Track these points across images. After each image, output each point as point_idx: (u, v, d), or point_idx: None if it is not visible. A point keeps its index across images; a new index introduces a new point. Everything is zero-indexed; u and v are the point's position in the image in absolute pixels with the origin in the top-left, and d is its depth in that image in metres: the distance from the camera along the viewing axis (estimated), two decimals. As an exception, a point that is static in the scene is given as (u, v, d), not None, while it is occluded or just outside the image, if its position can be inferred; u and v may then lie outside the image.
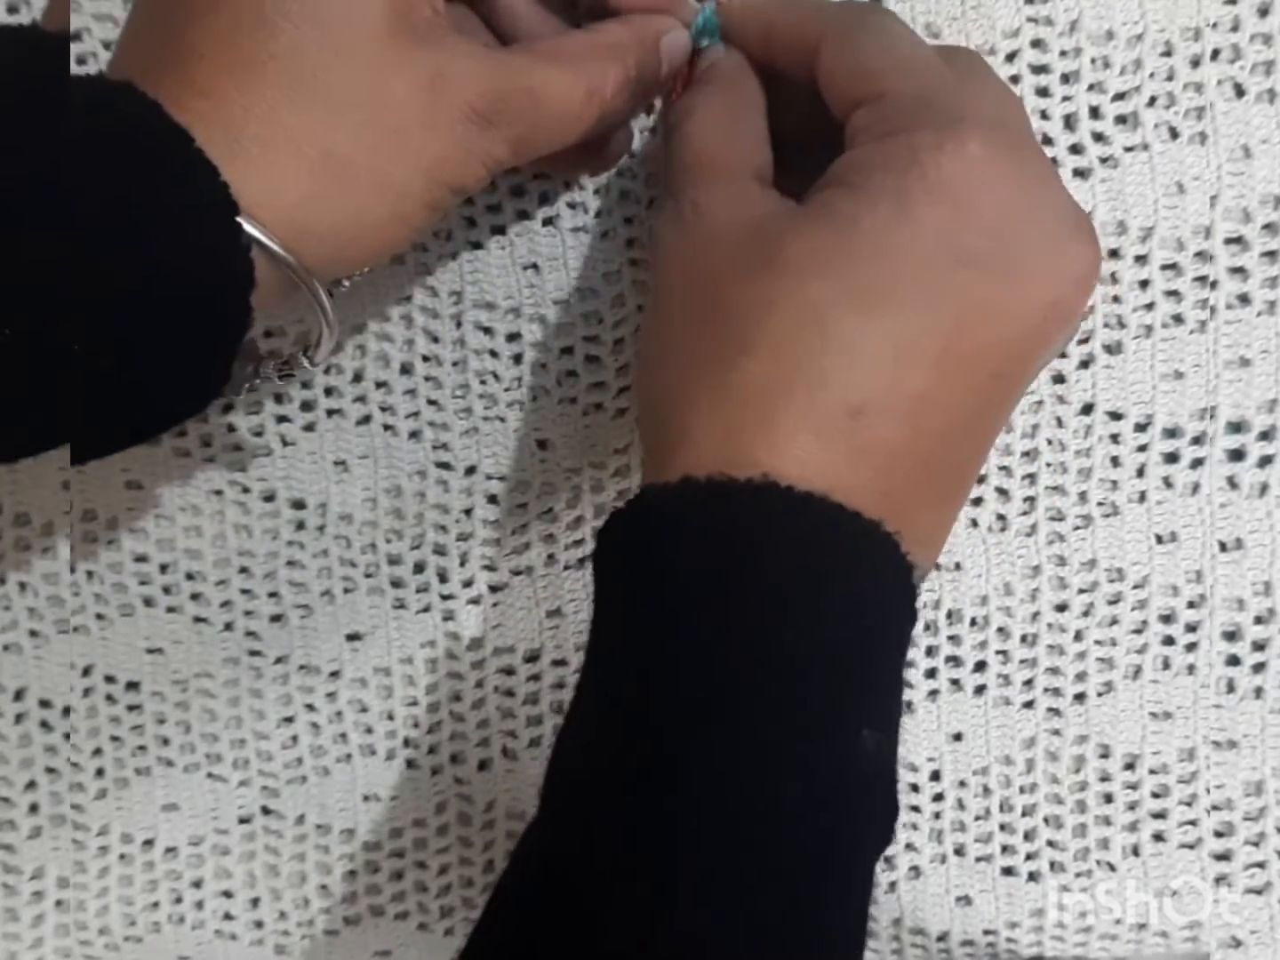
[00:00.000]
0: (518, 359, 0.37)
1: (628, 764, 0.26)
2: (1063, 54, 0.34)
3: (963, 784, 0.39)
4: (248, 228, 0.26)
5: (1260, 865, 0.39)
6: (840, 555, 0.27)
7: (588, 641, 0.28)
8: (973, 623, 0.38)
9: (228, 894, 0.42)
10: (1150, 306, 0.36)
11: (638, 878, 0.25)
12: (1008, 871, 0.40)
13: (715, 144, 0.31)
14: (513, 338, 0.37)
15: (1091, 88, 0.34)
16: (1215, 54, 0.34)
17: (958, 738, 0.39)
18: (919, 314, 0.28)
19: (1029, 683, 0.38)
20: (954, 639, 0.38)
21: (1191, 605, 0.38)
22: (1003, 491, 0.37)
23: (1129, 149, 0.35)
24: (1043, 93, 0.34)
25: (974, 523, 0.37)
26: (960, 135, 0.28)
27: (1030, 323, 0.29)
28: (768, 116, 0.32)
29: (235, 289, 0.27)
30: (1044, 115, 0.35)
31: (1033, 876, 0.40)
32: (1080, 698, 0.38)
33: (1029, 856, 0.40)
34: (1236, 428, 0.36)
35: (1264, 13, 0.34)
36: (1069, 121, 0.35)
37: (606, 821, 0.26)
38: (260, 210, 0.27)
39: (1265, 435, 0.36)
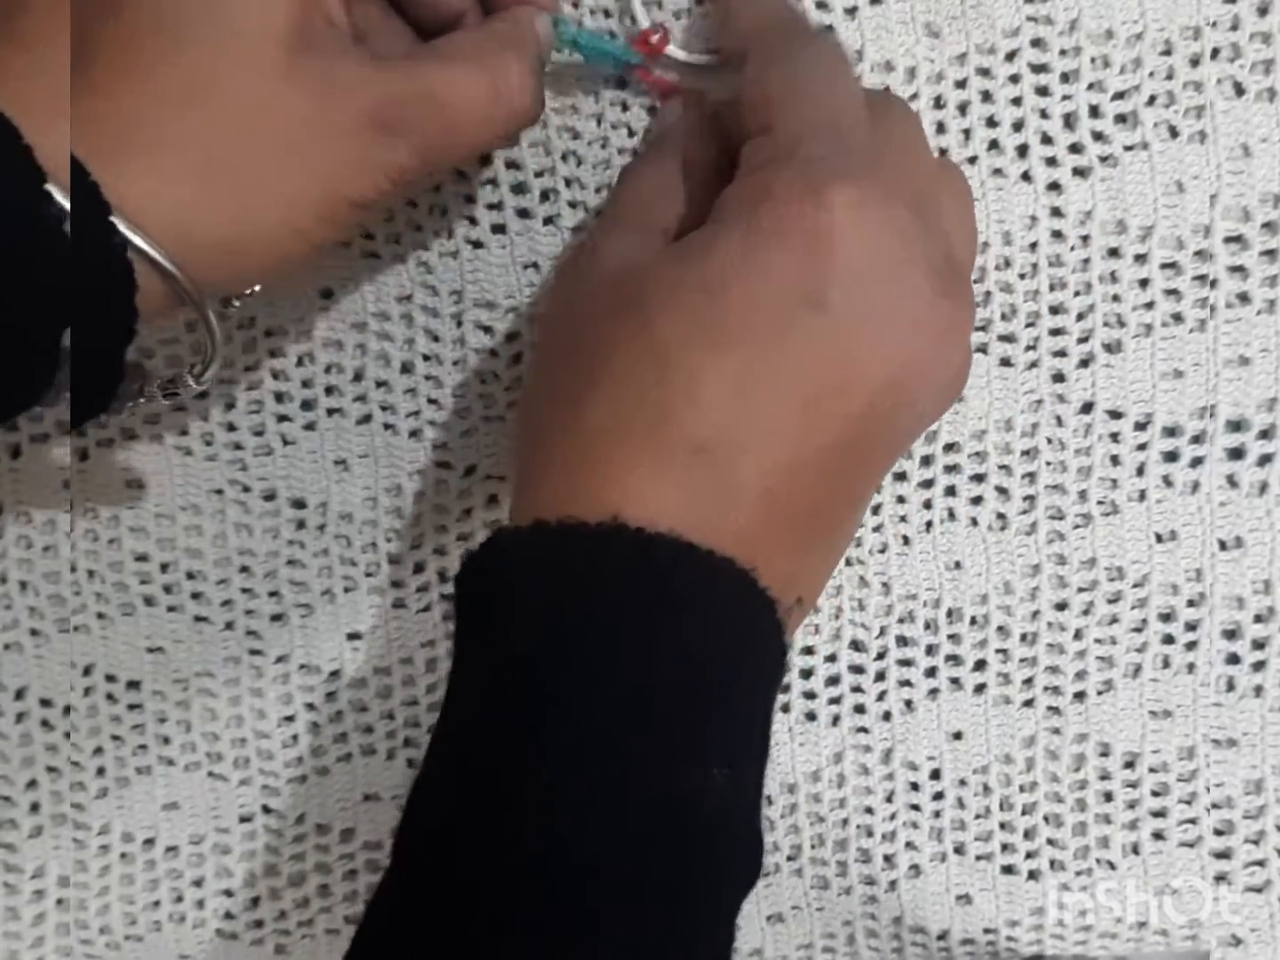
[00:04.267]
0: (518, 359, 0.37)
1: (468, 817, 0.26)
2: (1062, 53, 0.34)
3: (963, 782, 0.39)
4: (122, 229, 0.26)
5: (1260, 863, 0.39)
6: (682, 592, 0.26)
7: (449, 675, 0.28)
8: (973, 621, 0.38)
9: (228, 893, 0.42)
10: (1150, 305, 0.36)
11: (475, 935, 0.25)
12: (1008, 870, 0.40)
13: (635, 201, 0.31)
14: (513, 337, 0.37)
15: (1091, 87, 0.34)
16: (1215, 53, 0.34)
17: (958, 736, 0.39)
18: (764, 350, 0.27)
19: (1029, 681, 0.38)
20: (954, 638, 0.38)
21: (1191, 604, 0.38)
22: (1002, 490, 0.37)
23: (1129, 148, 0.35)
24: (1042, 92, 0.35)
25: (974, 521, 0.38)
26: (820, 179, 0.28)
27: (884, 373, 0.28)
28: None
29: (115, 292, 0.26)
30: (1044, 114, 0.35)
31: (1033, 875, 0.40)
32: (1080, 696, 0.38)
33: (1029, 855, 0.40)
34: (1236, 426, 0.36)
35: (1263, 11, 0.34)
36: (1069, 120, 0.35)
37: (446, 874, 0.26)
38: (143, 215, 0.26)
39: (1265, 434, 0.36)
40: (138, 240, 0.26)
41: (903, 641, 0.39)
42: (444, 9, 0.32)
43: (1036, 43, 0.34)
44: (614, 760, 0.26)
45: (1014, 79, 0.35)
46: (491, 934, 0.25)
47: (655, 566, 0.26)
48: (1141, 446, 0.37)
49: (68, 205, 0.25)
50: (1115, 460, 0.37)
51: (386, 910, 0.27)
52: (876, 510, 0.38)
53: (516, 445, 0.31)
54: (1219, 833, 0.39)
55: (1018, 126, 0.35)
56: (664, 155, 0.33)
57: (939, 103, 0.35)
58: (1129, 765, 0.39)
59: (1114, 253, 0.35)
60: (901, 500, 0.38)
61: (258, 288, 0.31)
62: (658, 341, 0.27)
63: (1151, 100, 0.34)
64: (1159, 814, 0.39)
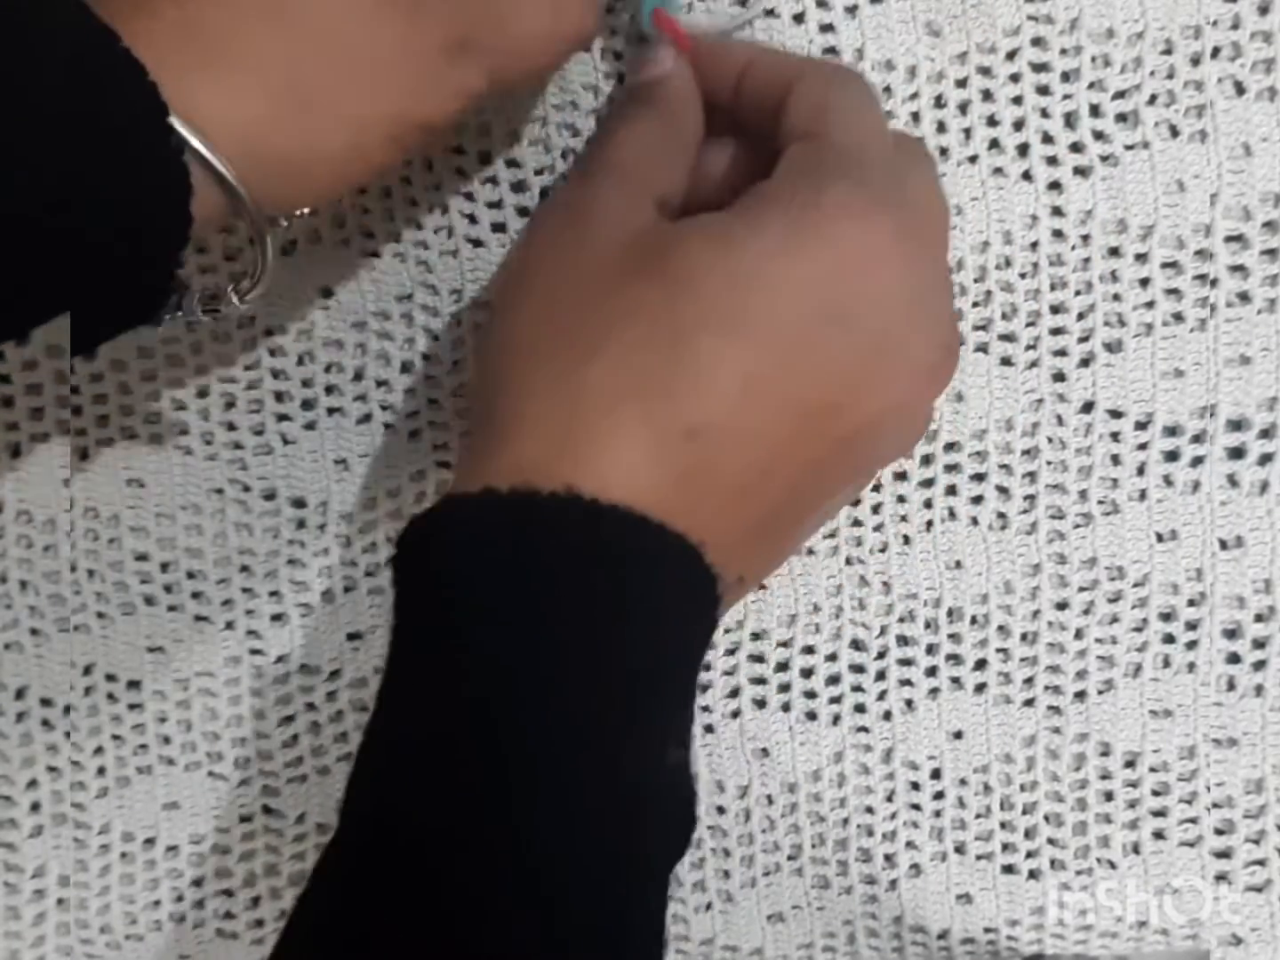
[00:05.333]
0: (518, 357, 0.37)
1: (416, 800, 0.26)
2: (1063, 52, 0.34)
3: (963, 782, 0.39)
4: (181, 131, 0.25)
5: (1260, 863, 0.39)
6: (638, 572, 0.26)
7: (388, 648, 0.28)
8: (973, 621, 0.38)
9: (228, 893, 0.42)
10: (1151, 304, 0.36)
11: (441, 903, 0.25)
12: (1008, 869, 0.40)
13: (634, 158, 0.31)
14: (513, 336, 0.37)
15: (1092, 86, 0.34)
16: (1215, 52, 0.34)
17: (958, 735, 0.39)
18: (778, 351, 0.27)
19: (1029, 681, 0.38)
20: (954, 637, 0.38)
21: (1192, 603, 0.38)
22: (1003, 489, 0.37)
23: (1129, 147, 0.35)
24: (1043, 91, 0.35)
25: (974, 521, 0.38)
26: (872, 205, 0.28)
27: (878, 404, 0.29)
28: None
29: (168, 194, 0.26)
30: (1044, 113, 0.35)
31: (1033, 874, 0.40)
32: (1081, 696, 0.38)
33: (1029, 854, 0.40)
34: (1237, 425, 0.36)
35: (1264, 10, 0.34)
36: (1069, 119, 0.35)
37: (401, 853, 0.25)
38: (213, 127, 0.26)
39: (1265, 433, 0.36)
40: (201, 149, 0.25)
41: (903, 641, 0.39)
42: None
43: (1037, 41, 0.34)
44: (579, 752, 0.25)
45: (1015, 78, 0.35)
46: (461, 916, 0.25)
47: (607, 543, 0.26)
48: (1142, 446, 0.37)
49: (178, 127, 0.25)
50: (1116, 459, 0.37)
51: (328, 894, 0.26)
52: (877, 510, 0.38)
53: (476, 392, 0.30)
54: (1219, 832, 0.39)
55: (1018, 125, 0.35)
56: (654, 115, 0.32)
57: (939, 102, 0.35)
58: (1129, 765, 0.39)
59: (1115, 252, 0.35)
60: (902, 500, 0.38)
61: (310, 210, 0.30)
62: (678, 320, 0.27)
63: (1152, 99, 0.34)
64: (1159, 813, 0.39)
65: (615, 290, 0.28)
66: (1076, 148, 0.35)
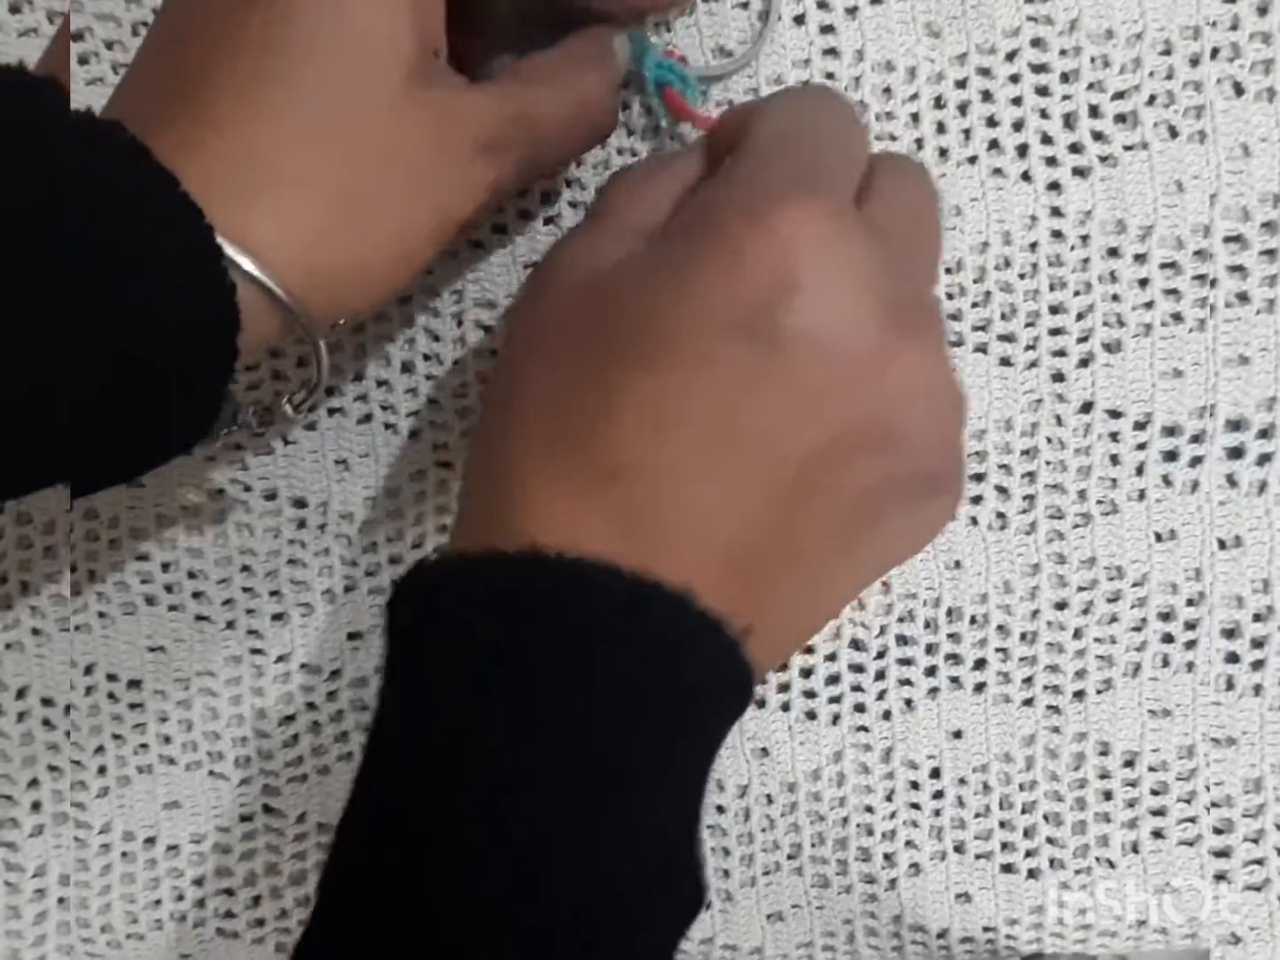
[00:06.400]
0: (518, 358, 0.37)
1: (388, 863, 0.25)
2: (1062, 53, 0.34)
3: (962, 781, 0.39)
4: (247, 265, 0.26)
5: (1259, 862, 0.39)
6: (612, 621, 0.25)
7: (376, 703, 0.28)
8: (972, 620, 0.38)
9: (229, 892, 0.42)
10: (1149, 305, 0.36)
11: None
12: (1007, 868, 0.40)
13: (613, 202, 0.31)
14: (513, 336, 0.37)
15: (1091, 86, 0.35)
16: (1214, 52, 0.34)
17: (957, 735, 0.39)
18: (687, 380, 0.26)
19: (1028, 680, 0.38)
20: (954, 637, 0.38)
21: (1190, 603, 0.38)
22: (1002, 490, 0.37)
23: (1128, 148, 0.35)
24: (1042, 91, 0.35)
25: (974, 521, 0.38)
26: (760, 199, 0.26)
27: (819, 416, 0.26)
28: None
29: (218, 333, 0.27)
30: (1044, 114, 0.35)
31: (1032, 873, 0.40)
32: (1080, 695, 0.38)
33: (1028, 854, 0.40)
34: (1235, 425, 0.36)
35: (1263, 11, 0.34)
36: (1068, 120, 0.35)
37: (367, 918, 0.25)
38: (265, 249, 0.26)
39: (1264, 433, 0.36)
40: (258, 274, 0.26)
41: (902, 640, 0.39)
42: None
43: (1036, 42, 0.34)
44: (533, 816, 0.25)
45: (1014, 79, 0.35)
46: None
47: (579, 594, 0.25)
48: (1141, 446, 0.37)
49: (243, 263, 0.26)
50: (1115, 459, 0.37)
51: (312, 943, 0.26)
52: (876, 509, 0.38)
53: (488, 440, 0.29)
54: (1218, 831, 0.39)
55: (1018, 126, 0.35)
56: (652, 163, 0.32)
57: (939, 103, 0.35)
58: (1128, 764, 0.39)
59: (1113, 252, 0.35)
60: (901, 499, 0.38)
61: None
62: (594, 360, 0.27)
63: (1151, 100, 0.34)
64: (1158, 812, 0.39)
65: (557, 337, 0.28)
66: (1075, 148, 0.35)
